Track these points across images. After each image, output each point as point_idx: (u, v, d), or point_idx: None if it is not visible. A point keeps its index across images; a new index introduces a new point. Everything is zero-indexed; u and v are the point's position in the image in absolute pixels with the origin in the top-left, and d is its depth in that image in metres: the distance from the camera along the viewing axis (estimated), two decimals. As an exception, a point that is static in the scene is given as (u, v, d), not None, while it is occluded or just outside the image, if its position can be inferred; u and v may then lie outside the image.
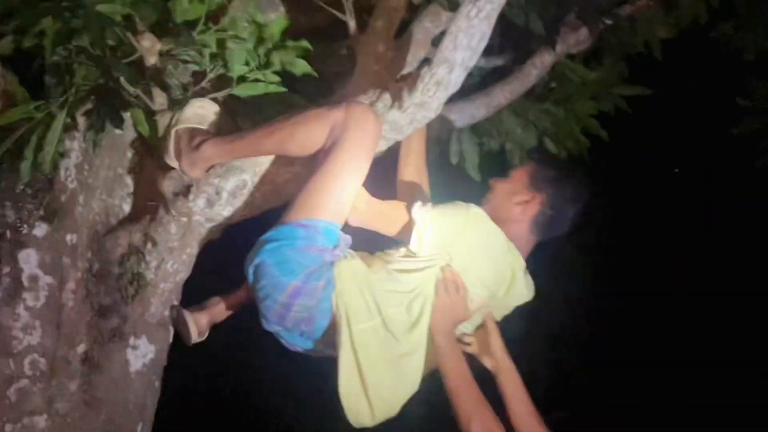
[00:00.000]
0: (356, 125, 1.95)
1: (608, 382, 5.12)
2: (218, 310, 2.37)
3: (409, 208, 2.07)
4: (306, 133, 2.00)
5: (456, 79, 2.03)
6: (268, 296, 1.92)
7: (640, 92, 3.74)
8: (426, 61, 2.51)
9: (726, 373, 5.06)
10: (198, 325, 2.26)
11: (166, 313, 2.33)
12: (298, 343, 2.07)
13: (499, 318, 2.16)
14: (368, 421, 1.95)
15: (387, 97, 2.15)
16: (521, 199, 2.10)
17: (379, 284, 1.95)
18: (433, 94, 2.03)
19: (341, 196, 1.96)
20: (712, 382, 5.06)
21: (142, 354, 2.28)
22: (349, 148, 1.94)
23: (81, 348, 2.20)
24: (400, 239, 2.11)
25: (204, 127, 2.16)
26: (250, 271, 1.97)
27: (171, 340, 2.40)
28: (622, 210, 4.98)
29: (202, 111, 2.17)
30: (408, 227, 2.05)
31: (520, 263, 2.08)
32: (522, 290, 2.11)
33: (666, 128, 4.71)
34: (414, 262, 2.01)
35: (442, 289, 1.96)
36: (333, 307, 1.90)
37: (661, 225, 5.18)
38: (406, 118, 2.12)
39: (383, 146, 2.23)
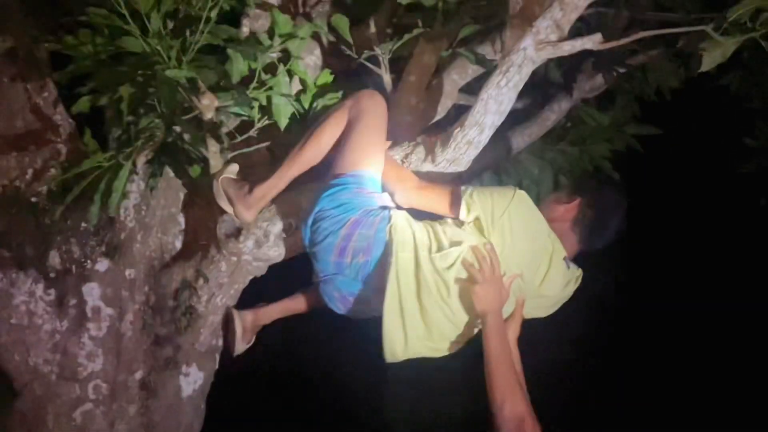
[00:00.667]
0: (368, 100, 2.26)
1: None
2: (264, 312, 2.60)
3: (457, 187, 2.21)
4: (331, 129, 2.28)
5: (485, 139, 2.24)
6: (330, 233, 2.12)
7: (651, 132, 3.95)
8: (455, 111, 2.72)
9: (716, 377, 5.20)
10: (243, 321, 2.49)
11: (214, 342, 2.54)
12: (350, 288, 2.20)
13: (536, 313, 2.29)
14: (400, 352, 2.11)
15: (421, 150, 2.36)
16: (564, 200, 2.26)
17: (424, 238, 2.11)
18: (464, 152, 2.25)
19: (374, 151, 2.22)
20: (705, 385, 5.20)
21: (193, 381, 2.49)
22: (367, 114, 2.24)
23: (139, 374, 2.42)
24: (448, 217, 2.24)
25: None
26: (309, 223, 2.18)
27: (217, 366, 2.61)
28: (634, 251, 5.18)
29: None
30: (456, 204, 2.17)
31: (560, 252, 2.20)
32: (558, 280, 2.20)
33: (676, 167, 4.91)
34: (459, 230, 2.14)
35: (478, 269, 2.05)
36: (387, 238, 2.09)
37: (670, 264, 5.37)
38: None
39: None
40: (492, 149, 3.31)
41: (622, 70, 3.34)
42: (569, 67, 3.36)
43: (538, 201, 3.45)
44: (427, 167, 2.33)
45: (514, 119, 3.44)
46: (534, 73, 3.43)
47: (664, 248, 5.32)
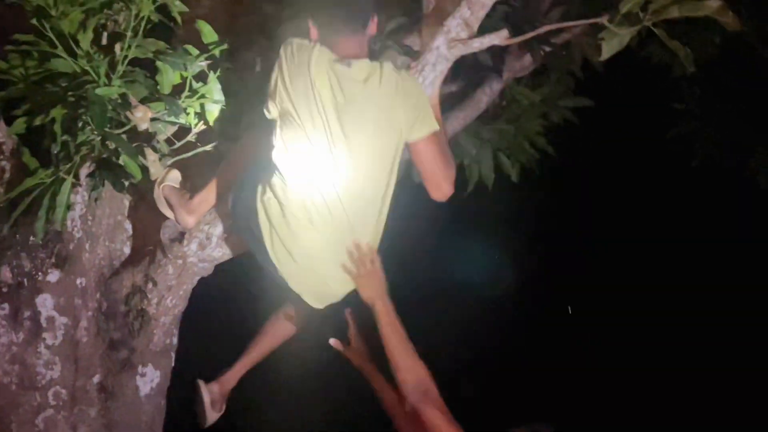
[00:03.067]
0: None
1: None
2: (228, 377, 2.61)
3: None
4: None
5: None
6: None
7: (584, 104, 4.11)
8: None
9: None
10: (211, 393, 2.52)
11: (168, 341, 2.66)
12: None
13: None
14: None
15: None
16: None
17: None
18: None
19: None
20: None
21: (150, 380, 2.61)
22: None
23: (96, 378, 2.53)
24: None
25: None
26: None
27: (173, 364, 2.73)
28: (570, 217, 5.37)
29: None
30: None
31: None
32: None
33: (608, 136, 5.09)
34: None
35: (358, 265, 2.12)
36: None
37: (606, 227, 5.56)
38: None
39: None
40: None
41: (548, 49, 3.47)
42: (498, 49, 3.48)
43: (480, 179, 3.61)
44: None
45: (449, 104, 3.56)
46: (464, 57, 3.60)
47: (601, 216, 5.52)
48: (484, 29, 2.82)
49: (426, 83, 2.23)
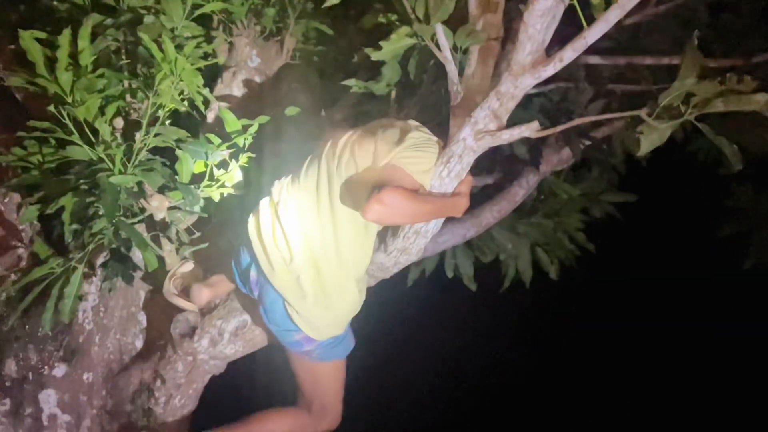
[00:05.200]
0: None
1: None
2: None
3: None
4: None
5: (434, 228, 2.23)
6: None
7: (627, 199, 3.94)
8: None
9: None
10: None
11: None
12: None
13: None
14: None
15: (375, 241, 2.35)
16: None
17: None
18: (413, 241, 2.24)
19: None
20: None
21: (152, 486, 2.43)
22: None
23: (95, 483, 2.37)
24: None
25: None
26: None
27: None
28: (614, 319, 5.15)
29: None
30: None
31: None
32: None
33: (655, 233, 4.89)
34: None
35: None
36: None
37: (648, 330, 5.33)
38: (390, 260, 2.32)
39: (372, 283, 2.42)
40: (462, 227, 3.32)
41: (587, 143, 3.34)
42: (535, 142, 3.38)
43: (517, 275, 3.43)
44: (381, 258, 2.32)
45: (484, 196, 3.44)
46: (500, 149, 3.50)
47: (647, 317, 5.28)
48: (520, 121, 2.76)
49: (452, 175, 2.11)
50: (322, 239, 2.10)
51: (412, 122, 2.18)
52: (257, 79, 3.12)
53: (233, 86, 3.09)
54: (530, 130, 2.04)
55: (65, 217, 2.09)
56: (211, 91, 2.97)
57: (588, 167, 4.01)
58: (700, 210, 4.35)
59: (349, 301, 2.17)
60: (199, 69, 2.37)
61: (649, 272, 5.11)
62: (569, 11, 1.95)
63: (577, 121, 2.08)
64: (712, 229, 3.98)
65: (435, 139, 2.13)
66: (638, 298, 5.16)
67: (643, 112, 1.95)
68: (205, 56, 2.66)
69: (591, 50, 3.28)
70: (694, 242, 4.63)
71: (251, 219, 2.17)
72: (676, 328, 5.23)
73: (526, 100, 3.39)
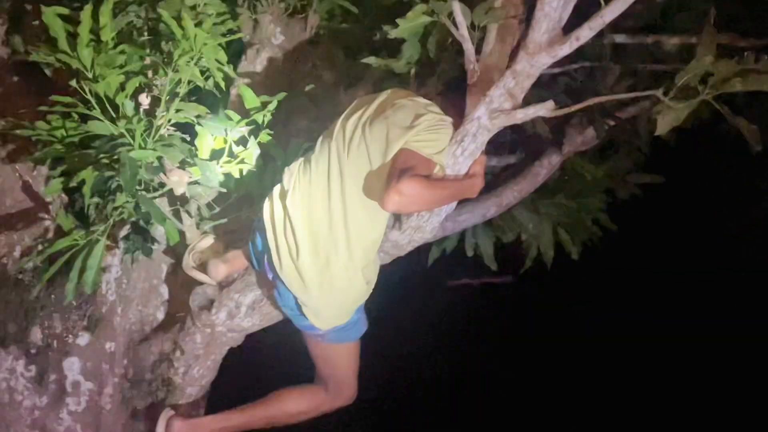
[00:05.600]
0: None
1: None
2: (200, 422, 2.49)
3: None
4: None
5: (448, 207, 2.24)
6: None
7: (654, 180, 3.88)
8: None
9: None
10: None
11: (194, 413, 2.56)
12: None
13: None
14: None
15: (390, 218, 2.36)
16: None
17: None
18: (427, 219, 2.25)
19: None
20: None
21: (171, 453, 2.50)
22: None
23: (116, 448, 2.45)
24: None
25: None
26: None
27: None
28: (640, 298, 5.08)
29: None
30: None
31: None
32: None
33: (682, 214, 4.81)
34: None
35: None
36: None
37: (680, 311, 5.25)
38: (405, 238, 2.33)
39: (387, 260, 2.44)
40: (482, 206, 3.31)
41: (612, 123, 3.30)
42: (558, 121, 3.34)
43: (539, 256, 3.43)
44: (395, 235, 2.33)
45: (506, 176, 3.42)
46: (523, 129, 3.47)
47: (675, 298, 5.20)
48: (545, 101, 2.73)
49: (466, 154, 2.11)
50: (331, 230, 2.10)
51: (422, 100, 2.17)
52: (281, 56, 3.13)
53: (257, 63, 3.10)
54: (545, 109, 2.04)
55: (86, 190, 2.14)
56: (236, 68, 3.00)
57: (615, 148, 3.96)
58: (729, 190, 4.28)
59: (356, 291, 2.18)
60: (222, 46, 2.40)
61: (678, 255, 5.04)
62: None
63: (592, 101, 2.06)
64: (744, 209, 3.91)
65: (448, 119, 2.13)
66: (663, 281, 5.09)
67: (659, 92, 1.93)
68: (230, 33, 2.67)
69: (617, 29, 3.27)
70: (724, 224, 4.55)
71: (266, 206, 2.19)
72: (701, 311, 5.16)
73: (551, 80, 3.36)
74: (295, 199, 2.15)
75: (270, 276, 2.20)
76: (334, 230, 2.10)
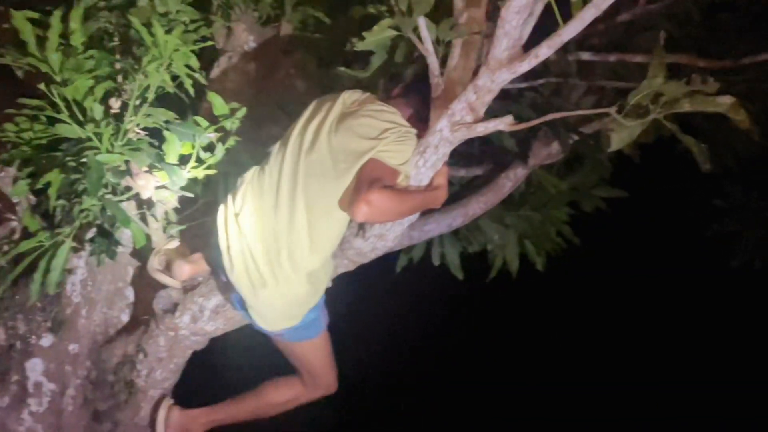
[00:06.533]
0: None
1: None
2: (194, 414, 2.60)
3: None
4: None
5: (411, 217, 2.29)
6: None
7: (618, 195, 3.98)
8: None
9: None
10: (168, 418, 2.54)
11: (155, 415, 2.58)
12: None
13: None
14: None
15: (354, 225, 2.41)
16: None
17: None
18: (390, 227, 2.30)
19: None
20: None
21: (132, 455, 2.52)
22: None
23: (77, 450, 2.45)
24: None
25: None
26: None
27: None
28: (594, 314, 5.19)
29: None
30: None
31: None
32: None
33: (642, 229, 4.92)
34: None
35: None
36: None
37: (631, 324, 5.38)
38: (368, 246, 2.38)
39: (351, 267, 2.48)
40: (448, 216, 3.37)
41: (576, 137, 3.38)
42: (524, 135, 3.42)
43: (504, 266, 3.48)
44: (359, 243, 2.38)
45: (472, 188, 3.48)
46: (490, 142, 3.54)
47: (631, 313, 5.32)
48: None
49: (428, 165, 2.17)
50: (277, 237, 2.14)
51: (383, 107, 2.21)
52: (254, 64, 3.17)
53: (230, 71, 3.14)
54: (504, 123, 2.10)
55: (51, 192, 2.16)
56: (208, 75, 3.03)
57: (580, 162, 4.05)
58: (689, 208, 4.39)
59: (301, 297, 2.22)
60: (195, 53, 2.43)
61: (636, 268, 5.16)
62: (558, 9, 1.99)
63: (551, 116, 2.12)
64: (701, 227, 4.01)
65: (413, 130, 2.18)
66: (623, 293, 5.21)
67: (612, 110, 2.00)
68: (204, 40, 2.70)
69: (582, 46, 3.35)
70: (681, 240, 4.67)
71: (220, 211, 2.24)
72: (658, 324, 5.28)
73: (518, 94, 3.43)
74: (246, 206, 2.21)
75: (224, 278, 2.25)
76: (279, 237, 2.15)
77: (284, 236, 2.14)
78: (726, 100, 1.84)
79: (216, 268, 2.31)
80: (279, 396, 2.54)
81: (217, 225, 2.23)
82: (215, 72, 3.11)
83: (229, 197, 2.27)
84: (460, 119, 2.13)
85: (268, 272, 2.15)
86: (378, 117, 2.18)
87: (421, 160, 2.16)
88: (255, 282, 2.16)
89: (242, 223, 2.19)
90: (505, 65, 2.06)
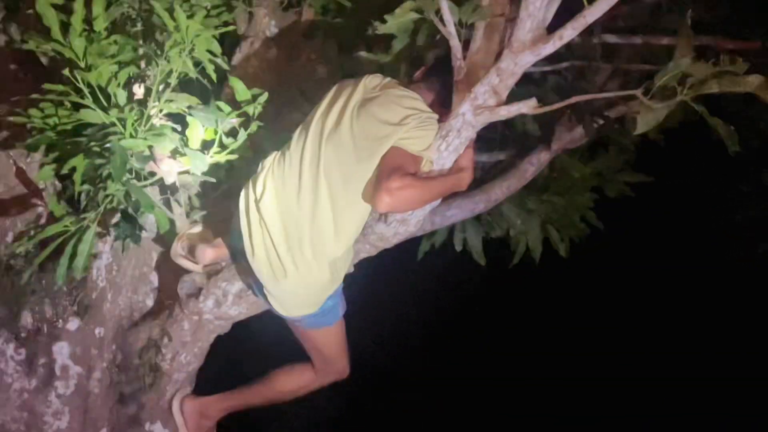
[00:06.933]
0: None
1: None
2: (207, 402, 2.67)
3: None
4: None
5: (434, 202, 2.28)
6: None
7: (642, 179, 3.93)
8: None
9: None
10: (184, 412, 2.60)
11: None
12: None
13: None
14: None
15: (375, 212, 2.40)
16: None
17: None
18: (412, 212, 2.29)
19: None
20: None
21: (157, 437, 2.56)
22: None
23: (103, 432, 2.49)
24: None
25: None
26: None
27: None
28: (619, 301, 5.14)
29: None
30: None
31: None
32: None
33: (670, 213, 4.86)
34: None
35: None
36: None
37: (657, 312, 5.32)
38: (390, 231, 2.37)
39: (373, 252, 2.48)
40: (471, 202, 3.35)
41: (601, 122, 3.34)
42: (548, 119, 3.38)
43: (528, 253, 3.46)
44: (381, 228, 2.37)
45: (495, 172, 3.46)
46: (513, 127, 3.51)
47: (656, 301, 5.27)
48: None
49: (450, 149, 2.15)
50: (299, 223, 2.14)
51: (405, 92, 2.20)
52: (275, 50, 3.17)
53: (251, 56, 3.14)
54: (527, 106, 2.08)
55: (76, 177, 2.18)
56: (230, 60, 3.03)
57: (604, 147, 4.00)
58: (715, 193, 4.33)
59: (321, 284, 2.22)
60: (216, 38, 2.43)
61: (662, 254, 5.11)
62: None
63: (574, 99, 2.10)
64: (728, 212, 3.96)
65: (434, 115, 2.17)
66: (648, 279, 5.16)
67: (638, 92, 1.97)
68: (225, 25, 2.70)
69: (607, 29, 3.30)
70: (708, 225, 4.61)
71: (242, 196, 2.24)
72: (684, 311, 5.22)
73: (541, 78, 3.40)
74: (267, 192, 2.20)
75: (244, 263, 2.26)
76: (302, 224, 2.14)
77: (307, 224, 2.14)
78: (755, 80, 1.81)
79: (235, 253, 2.31)
80: (291, 383, 2.58)
81: (239, 211, 2.23)
82: (237, 58, 3.11)
83: (250, 183, 2.27)
84: (483, 102, 2.12)
85: (289, 260, 2.15)
86: (400, 103, 2.17)
87: (444, 144, 2.15)
88: (276, 271, 2.16)
89: (263, 209, 2.19)
90: (528, 47, 2.03)
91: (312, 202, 2.13)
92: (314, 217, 2.13)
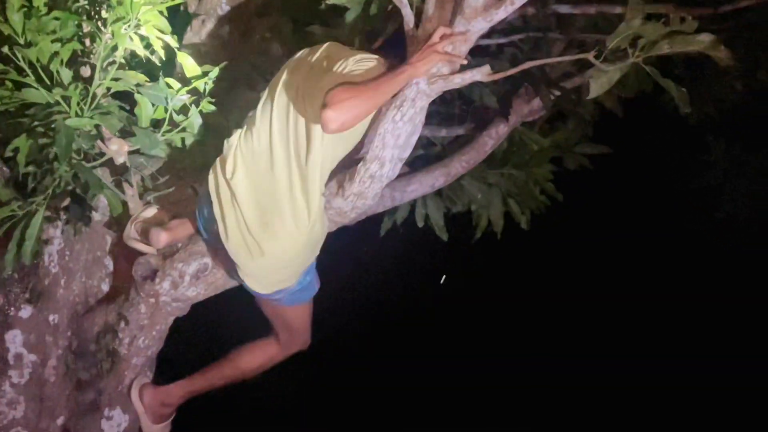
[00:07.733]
0: None
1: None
2: (167, 390, 2.62)
3: None
4: None
5: (389, 173, 2.25)
6: None
7: (601, 151, 3.96)
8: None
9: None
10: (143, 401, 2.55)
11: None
12: None
13: None
14: None
15: (333, 185, 2.37)
16: None
17: None
18: (368, 185, 2.26)
19: None
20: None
21: (117, 423, 2.51)
22: None
23: (60, 420, 2.44)
24: None
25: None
26: None
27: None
28: (581, 272, 5.20)
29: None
30: None
31: None
32: None
33: (627, 184, 4.92)
34: None
35: None
36: None
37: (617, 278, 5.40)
38: (347, 205, 2.34)
39: (332, 228, 2.45)
40: (431, 177, 3.33)
41: (557, 93, 3.34)
42: (505, 92, 3.38)
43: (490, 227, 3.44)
44: (339, 202, 2.34)
45: (454, 146, 3.45)
46: (470, 100, 3.50)
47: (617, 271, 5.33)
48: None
49: (405, 119, 2.12)
50: (276, 197, 2.13)
51: (366, 56, 2.17)
52: (228, 28, 3.10)
53: (203, 34, 3.07)
54: (481, 73, 2.06)
55: (20, 158, 2.11)
56: (182, 39, 2.96)
57: (563, 119, 4.02)
58: (673, 163, 4.38)
59: (302, 256, 2.23)
60: (164, 14, 2.37)
61: (622, 223, 5.17)
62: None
63: (527, 64, 2.09)
64: (686, 181, 4.01)
65: (376, 56, 2.14)
66: (609, 249, 5.22)
67: (590, 56, 1.96)
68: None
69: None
70: (666, 194, 4.67)
71: (210, 178, 2.20)
72: (645, 280, 5.30)
73: (497, 50, 3.38)
74: (238, 169, 2.17)
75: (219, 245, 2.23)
76: (280, 197, 2.13)
77: (286, 196, 2.13)
78: (705, 39, 1.81)
79: (208, 239, 2.28)
80: (256, 359, 2.57)
81: (210, 193, 2.18)
82: (188, 36, 3.03)
83: (218, 163, 2.23)
84: (437, 71, 2.09)
85: (266, 237, 2.14)
86: (344, 55, 2.14)
87: (398, 114, 2.12)
88: (253, 250, 2.16)
89: (235, 187, 2.16)
90: (480, 13, 2.02)
91: (287, 174, 2.12)
92: (292, 188, 2.12)
